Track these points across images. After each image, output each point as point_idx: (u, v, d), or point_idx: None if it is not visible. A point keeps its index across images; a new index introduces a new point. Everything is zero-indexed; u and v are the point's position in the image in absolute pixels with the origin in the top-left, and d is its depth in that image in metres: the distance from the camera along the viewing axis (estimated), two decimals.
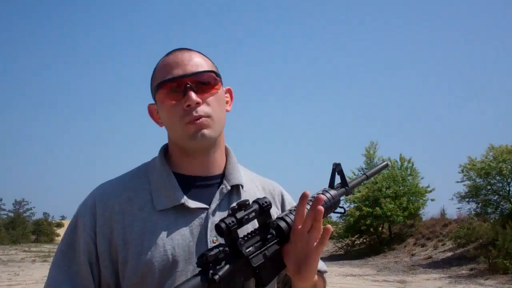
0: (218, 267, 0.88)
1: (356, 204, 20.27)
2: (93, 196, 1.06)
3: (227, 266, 0.89)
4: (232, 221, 0.89)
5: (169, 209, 1.02)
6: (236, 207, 0.92)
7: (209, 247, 0.99)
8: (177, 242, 0.99)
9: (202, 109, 1.03)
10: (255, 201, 0.95)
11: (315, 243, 0.96)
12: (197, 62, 1.06)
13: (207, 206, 1.04)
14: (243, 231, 0.97)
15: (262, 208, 0.95)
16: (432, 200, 20.29)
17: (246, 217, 0.91)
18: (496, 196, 16.68)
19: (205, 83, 1.05)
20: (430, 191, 20.15)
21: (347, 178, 1.17)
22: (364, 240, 21.55)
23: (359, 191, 20.02)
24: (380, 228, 20.55)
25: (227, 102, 1.14)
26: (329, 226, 0.97)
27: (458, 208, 22.50)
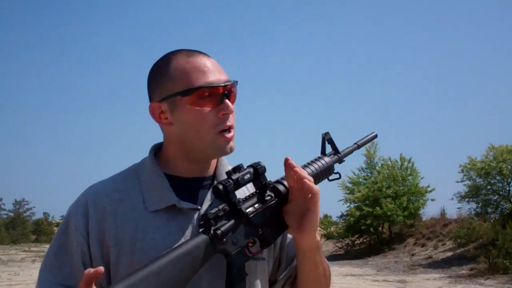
0: (219, 224, 0.91)
1: (356, 204, 20.26)
2: (84, 196, 1.06)
3: (228, 223, 0.92)
4: (229, 181, 0.92)
5: (161, 210, 1.03)
6: (231, 170, 0.95)
7: None
8: (169, 243, 0.99)
9: (231, 120, 1.05)
10: (250, 165, 0.98)
11: (310, 195, 1.00)
12: (221, 69, 1.08)
13: (198, 207, 1.05)
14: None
15: (257, 170, 0.98)
16: (432, 200, 20.28)
17: (242, 177, 0.94)
18: (496, 196, 16.69)
19: (234, 93, 1.07)
20: (430, 191, 20.14)
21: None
22: (364, 240, 21.54)
23: (359, 191, 20.03)
24: (380, 228, 20.53)
25: None
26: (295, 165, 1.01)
27: (458, 208, 22.47)
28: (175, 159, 1.09)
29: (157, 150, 1.13)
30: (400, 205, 19.18)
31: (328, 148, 1.19)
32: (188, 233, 1.02)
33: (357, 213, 19.69)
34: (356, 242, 21.74)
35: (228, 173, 0.95)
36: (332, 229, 22.45)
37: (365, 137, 1.30)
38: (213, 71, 1.05)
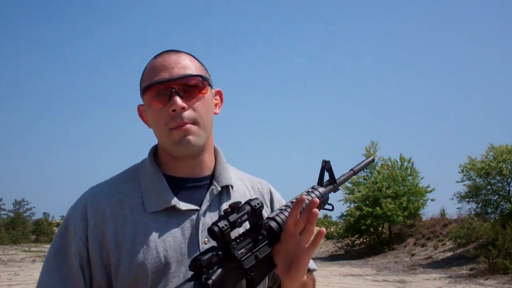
0: (211, 271, 0.88)
1: (356, 204, 20.26)
2: (83, 199, 1.05)
3: (220, 270, 0.89)
4: (226, 225, 0.89)
5: (160, 211, 1.02)
6: (229, 209, 0.92)
7: (200, 248, 1.00)
8: (169, 244, 0.99)
9: (188, 114, 1.02)
10: (247, 203, 0.95)
11: (307, 245, 0.97)
12: (185, 65, 1.05)
13: (197, 208, 1.04)
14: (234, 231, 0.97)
15: (254, 210, 0.95)
16: (432, 200, 20.31)
17: (239, 220, 0.91)
18: (496, 196, 16.69)
19: (191, 87, 1.04)
20: (430, 191, 20.16)
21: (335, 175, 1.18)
22: (364, 240, 21.54)
23: (359, 191, 20.03)
24: (380, 228, 20.55)
25: (216, 105, 1.13)
26: (323, 229, 0.98)
27: (458, 208, 22.55)
28: (165, 159, 1.09)
29: (156, 152, 1.13)
30: (400, 205, 19.19)
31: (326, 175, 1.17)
32: (187, 233, 1.01)
33: (357, 213, 19.69)
34: (356, 242, 21.73)
35: (226, 213, 0.91)
36: (332, 229, 22.46)
37: (362, 162, 1.28)
38: (168, 68, 1.03)
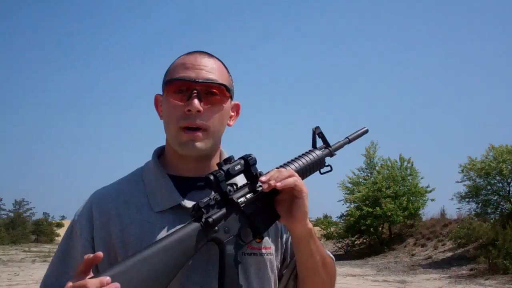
0: (210, 212, 0.92)
1: (356, 204, 20.26)
2: (89, 202, 1.07)
3: (219, 211, 0.93)
4: (219, 172, 0.93)
5: (166, 210, 1.03)
6: (222, 162, 0.96)
7: None
8: None
9: (202, 119, 1.03)
10: (241, 157, 0.99)
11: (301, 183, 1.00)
12: (213, 70, 1.06)
13: None
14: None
15: (248, 162, 0.99)
16: (432, 200, 20.32)
17: (232, 168, 0.95)
18: (496, 196, 16.69)
19: (213, 94, 1.05)
20: (430, 191, 20.16)
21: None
22: (364, 240, 21.55)
23: (359, 191, 20.02)
24: (380, 228, 20.55)
25: (231, 117, 1.14)
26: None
27: (458, 208, 22.50)
28: (171, 157, 1.10)
29: (160, 154, 1.14)
30: (400, 205, 19.18)
31: (319, 143, 1.21)
32: None
33: (357, 213, 19.69)
34: (356, 242, 21.74)
35: (219, 165, 0.95)
36: (332, 229, 22.46)
37: (356, 131, 1.30)
38: (196, 69, 1.04)
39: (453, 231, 15.86)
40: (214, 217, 0.91)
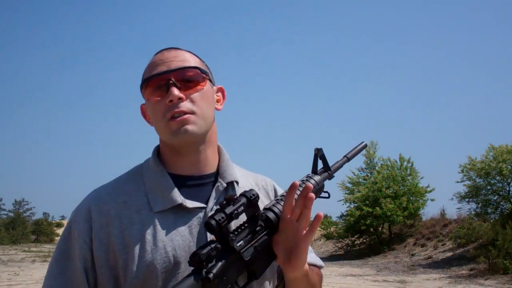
0: (210, 264, 0.88)
1: (356, 204, 20.25)
2: (87, 201, 1.04)
3: (220, 263, 0.89)
4: (222, 217, 0.89)
5: (166, 210, 1.01)
6: (224, 202, 0.91)
7: None
8: (178, 243, 0.98)
9: (185, 105, 1.02)
10: (243, 194, 0.95)
11: (304, 231, 0.97)
12: (183, 59, 1.05)
13: (204, 205, 1.04)
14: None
15: (250, 200, 0.95)
16: (432, 200, 20.29)
17: (236, 211, 0.91)
18: (496, 196, 16.67)
19: (189, 79, 1.04)
20: (430, 191, 20.15)
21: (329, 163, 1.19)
22: (364, 240, 21.54)
23: (359, 191, 20.02)
24: (380, 228, 20.54)
25: (218, 101, 1.13)
26: (320, 213, 0.96)
27: (458, 208, 22.53)
28: (168, 156, 1.09)
29: (159, 152, 1.12)
30: (400, 205, 19.18)
31: (319, 163, 1.17)
32: (195, 232, 1.00)
33: (357, 213, 19.68)
34: (356, 242, 21.72)
35: (221, 206, 0.90)
36: (332, 229, 22.44)
37: (355, 148, 1.28)
38: (167, 62, 1.04)
39: (453, 231, 15.86)
40: (214, 271, 0.87)
